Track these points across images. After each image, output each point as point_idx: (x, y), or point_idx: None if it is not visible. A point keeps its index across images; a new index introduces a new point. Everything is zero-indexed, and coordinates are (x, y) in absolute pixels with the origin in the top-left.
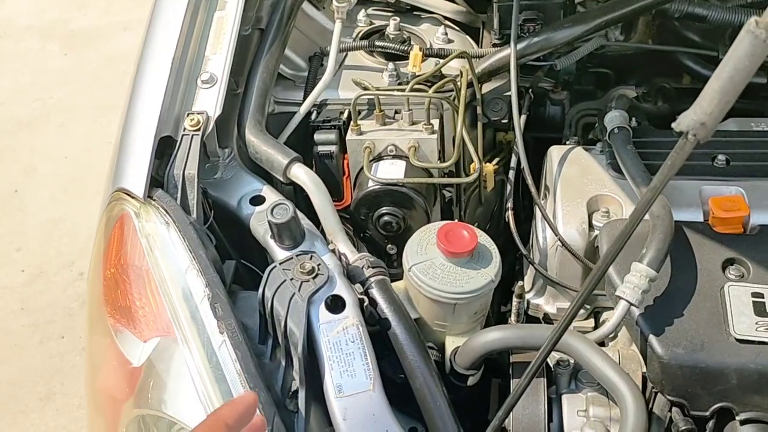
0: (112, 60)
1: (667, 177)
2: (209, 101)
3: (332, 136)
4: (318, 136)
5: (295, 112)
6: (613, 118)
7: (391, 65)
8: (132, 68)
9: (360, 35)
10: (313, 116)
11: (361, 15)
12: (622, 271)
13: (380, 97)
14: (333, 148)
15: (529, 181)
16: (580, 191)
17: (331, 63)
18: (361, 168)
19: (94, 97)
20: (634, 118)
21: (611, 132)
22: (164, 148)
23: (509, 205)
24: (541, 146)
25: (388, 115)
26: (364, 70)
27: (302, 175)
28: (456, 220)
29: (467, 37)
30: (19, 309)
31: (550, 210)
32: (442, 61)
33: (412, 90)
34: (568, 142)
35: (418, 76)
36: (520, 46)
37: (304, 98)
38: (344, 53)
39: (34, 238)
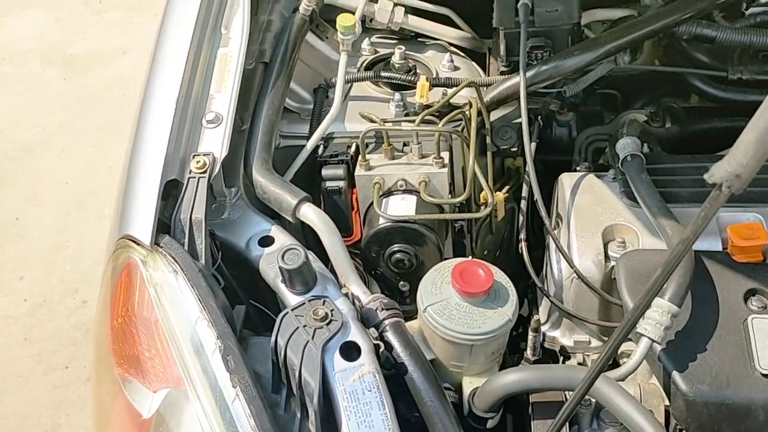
0: (111, 84)
1: (700, 228)
2: (215, 142)
3: (340, 171)
4: (326, 172)
5: (301, 146)
6: (626, 145)
7: (397, 95)
8: (134, 111)
9: (365, 64)
10: (320, 151)
11: (365, 44)
12: (636, 297)
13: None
14: (341, 184)
15: (543, 213)
16: (595, 221)
17: (337, 96)
18: (371, 203)
19: (95, 122)
20: (646, 144)
21: (624, 160)
22: (170, 189)
23: (522, 236)
24: (549, 169)
25: (396, 149)
26: (371, 100)
27: (311, 215)
28: (469, 256)
29: (473, 63)
30: (22, 339)
31: (564, 240)
32: (450, 91)
33: (421, 122)
34: (578, 168)
35: (426, 106)
36: (528, 74)
37: (310, 131)
38: (349, 84)
39: (37, 266)
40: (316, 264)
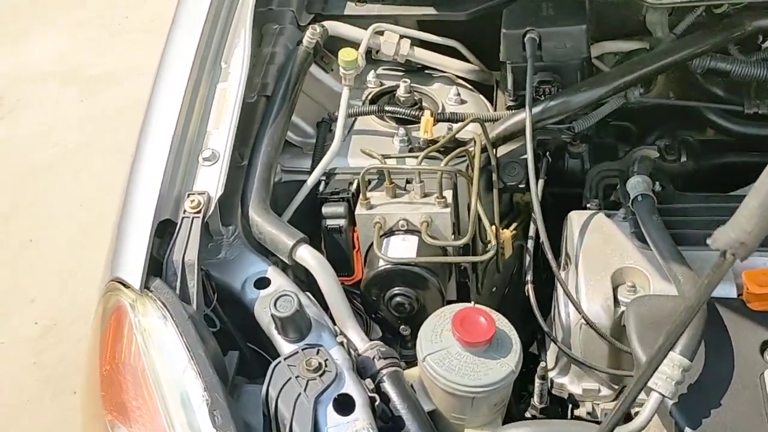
0: (129, 105)
1: (705, 297)
2: (211, 180)
3: (341, 209)
4: (326, 210)
5: (303, 181)
6: (636, 185)
7: (402, 130)
8: (132, 144)
9: (369, 97)
10: (321, 187)
11: (371, 76)
12: (648, 346)
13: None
14: (342, 222)
15: (550, 256)
16: (604, 263)
17: (338, 132)
18: (372, 243)
19: (110, 143)
20: (657, 182)
21: (635, 200)
22: (166, 227)
23: (528, 278)
24: (560, 202)
25: (399, 186)
26: (374, 135)
27: (308, 257)
28: (472, 298)
29: (481, 96)
30: (31, 363)
31: (572, 283)
32: (455, 126)
33: (425, 158)
34: (589, 205)
35: (431, 142)
36: (536, 110)
37: (312, 166)
38: (353, 118)
39: (49, 289)
40: (311, 309)
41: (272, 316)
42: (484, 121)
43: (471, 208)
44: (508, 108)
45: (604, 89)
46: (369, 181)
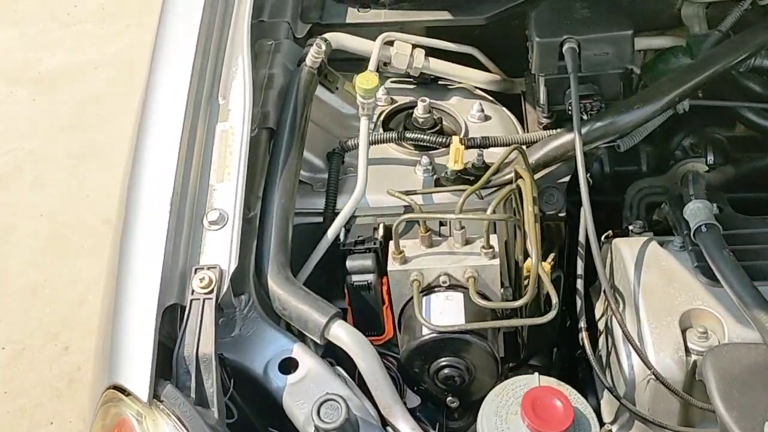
0: (84, 104)
1: None
2: (221, 249)
3: (368, 262)
4: (351, 264)
5: (315, 224)
6: (697, 212)
7: (425, 159)
8: (115, 207)
9: (382, 118)
10: (341, 236)
11: (381, 92)
12: (742, 418)
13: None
14: (370, 278)
15: (611, 301)
16: (669, 305)
17: (361, 173)
18: (408, 301)
19: (68, 147)
20: (715, 204)
21: (698, 230)
22: (171, 311)
23: (582, 324)
24: (577, 208)
25: (433, 231)
26: (393, 163)
27: (345, 336)
28: (537, 373)
29: (504, 110)
30: (2, 392)
31: (633, 328)
32: (493, 156)
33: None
34: (632, 228)
35: (460, 173)
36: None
37: (326, 206)
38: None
39: (14, 309)
40: (353, 402)
41: (317, 428)
42: (521, 144)
43: (529, 261)
44: (542, 126)
45: (656, 105)
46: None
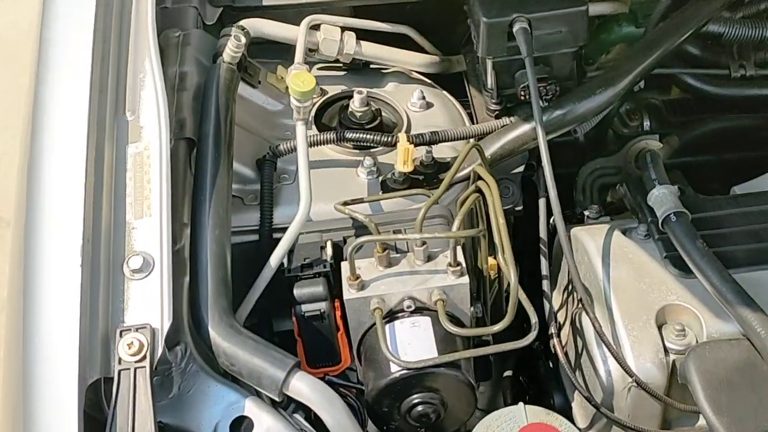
0: None
1: None
2: (149, 303)
3: (319, 288)
4: (300, 292)
5: (249, 242)
6: (663, 199)
7: (368, 160)
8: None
9: (314, 112)
10: (285, 260)
11: None
12: (732, 424)
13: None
14: (323, 306)
15: (588, 311)
16: (643, 304)
17: (304, 190)
18: (368, 329)
19: None
20: (677, 186)
21: (667, 220)
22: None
23: (553, 330)
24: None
25: (390, 247)
26: (331, 166)
27: (308, 391)
28: (523, 404)
29: (445, 94)
30: None
31: (606, 330)
32: (449, 170)
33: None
34: (588, 214)
35: (409, 175)
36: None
37: (262, 222)
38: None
39: None
40: None
41: None
42: (473, 137)
43: (493, 262)
44: (491, 112)
45: (617, 88)
46: (345, 240)
